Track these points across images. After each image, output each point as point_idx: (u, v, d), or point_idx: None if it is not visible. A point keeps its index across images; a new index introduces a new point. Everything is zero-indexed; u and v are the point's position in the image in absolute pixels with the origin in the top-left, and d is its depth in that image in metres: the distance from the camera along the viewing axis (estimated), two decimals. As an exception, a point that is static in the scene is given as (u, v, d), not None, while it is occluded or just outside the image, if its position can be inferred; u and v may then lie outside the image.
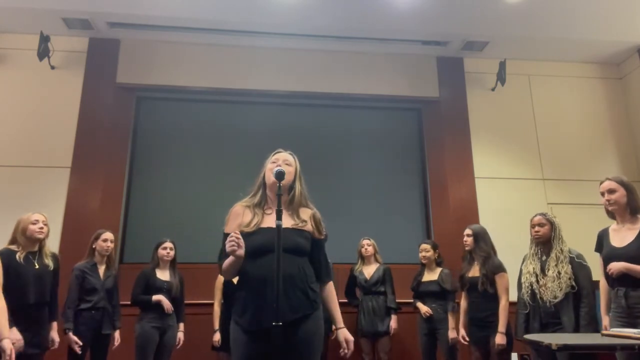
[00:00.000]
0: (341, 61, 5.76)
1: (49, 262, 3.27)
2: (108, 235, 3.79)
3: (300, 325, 1.96)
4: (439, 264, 4.29)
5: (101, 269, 3.75)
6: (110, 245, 3.78)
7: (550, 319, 3.14)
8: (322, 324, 2.07)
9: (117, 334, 3.77)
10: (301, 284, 2.00)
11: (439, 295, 4.12)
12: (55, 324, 3.38)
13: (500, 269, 3.62)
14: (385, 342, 4.26)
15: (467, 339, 3.77)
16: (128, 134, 5.49)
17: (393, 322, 4.28)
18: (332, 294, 2.19)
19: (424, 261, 4.29)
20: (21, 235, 3.19)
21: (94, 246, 3.75)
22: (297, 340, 1.94)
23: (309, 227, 2.14)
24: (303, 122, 5.84)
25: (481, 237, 3.75)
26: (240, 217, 2.14)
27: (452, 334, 3.99)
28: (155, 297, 3.82)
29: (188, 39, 5.53)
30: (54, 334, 3.36)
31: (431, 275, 4.23)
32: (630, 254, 2.68)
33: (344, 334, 2.13)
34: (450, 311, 4.07)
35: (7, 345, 2.38)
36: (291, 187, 2.17)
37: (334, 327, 2.19)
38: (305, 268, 2.06)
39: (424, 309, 4.13)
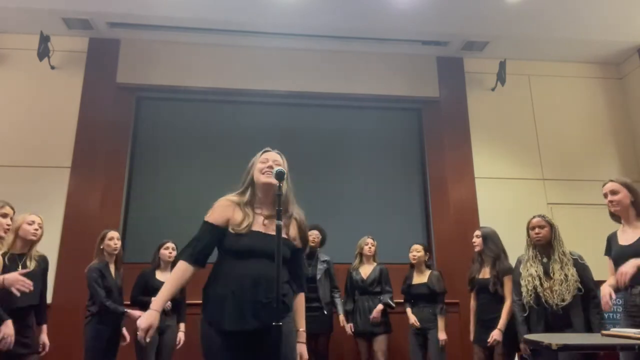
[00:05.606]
0: (341, 61, 5.76)
1: (33, 264, 3.08)
2: (114, 233, 3.78)
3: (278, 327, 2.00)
4: (428, 267, 4.33)
5: (112, 269, 3.75)
6: (118, 242, 3.76)
7: (558, 323, 3.09)
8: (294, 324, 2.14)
9: (125, 331, 3.76)
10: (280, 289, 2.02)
11: (429, 297, 4.19)
12: (45, 327, 3.27)
13: (510, 271, 3.61)
14: (382, 341, 4.26)
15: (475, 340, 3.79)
16: (128, 134, 5.48)
17: (377, 310, 4.21)
18: (302, 305, 2.24)
19: (413, 261, 4.33)
20: (12, 233, 3.01)
21: (101, 247, 3.73)
22: (276, 341, 1.95)
23: (293, 235, 2.16)
24: (303, 122, 5.84)
25: (490, 238, 3.76)
26: (230, 213, 2.11)
27: (442, 336, 4.05)
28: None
29: (188, 39, 5.53)
30: (44, 337, 3.26)
31: (421, 278, 4.28)
32: (638, 250, 2.66)
33: (302, 350, 2.14)
34: (440, 314, 4.12)
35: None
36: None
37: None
38: (284, 274, 2.09)
39: (412, 318, 4.19)
